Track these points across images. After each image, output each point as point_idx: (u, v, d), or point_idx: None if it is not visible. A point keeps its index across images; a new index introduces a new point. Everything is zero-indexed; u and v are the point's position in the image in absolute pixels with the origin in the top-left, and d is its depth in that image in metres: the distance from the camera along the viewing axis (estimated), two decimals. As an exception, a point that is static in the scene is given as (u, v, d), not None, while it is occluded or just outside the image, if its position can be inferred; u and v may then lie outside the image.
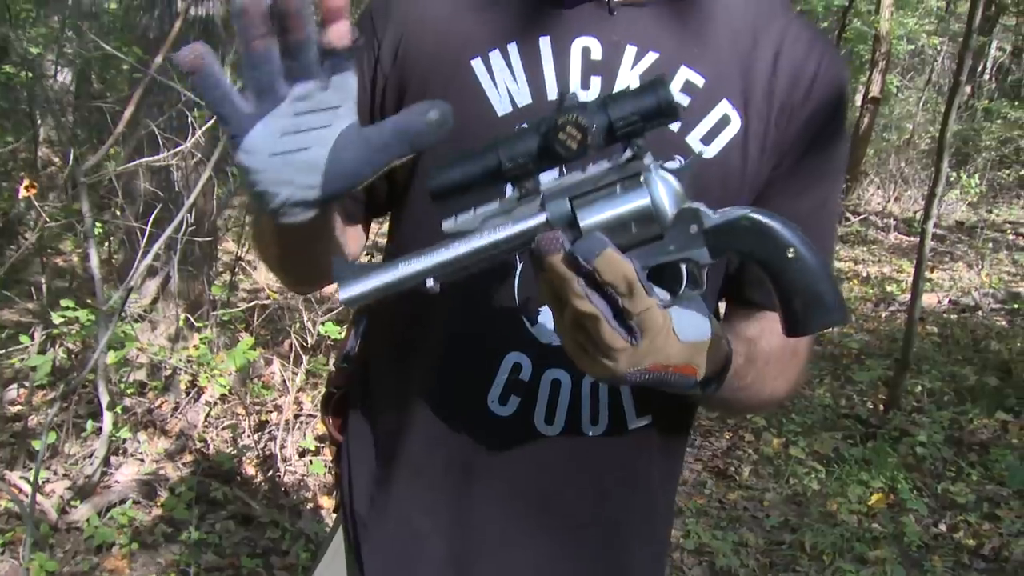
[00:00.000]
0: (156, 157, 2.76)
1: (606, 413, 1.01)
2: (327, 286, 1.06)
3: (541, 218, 0.78)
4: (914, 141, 15.08)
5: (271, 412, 3.63)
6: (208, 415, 3.63)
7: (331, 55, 0.68)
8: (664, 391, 0.85)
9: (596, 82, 0.96)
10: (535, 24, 0.97)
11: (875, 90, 12.89)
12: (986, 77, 20.25)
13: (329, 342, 3.50)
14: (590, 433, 1.01)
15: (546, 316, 0.95)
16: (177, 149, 2.78)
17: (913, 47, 17.65)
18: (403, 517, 1.07)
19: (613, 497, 1.07)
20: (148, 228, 2.84)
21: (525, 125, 0.80)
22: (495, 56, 0.96)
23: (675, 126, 0.95)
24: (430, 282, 0.78)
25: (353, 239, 1.07)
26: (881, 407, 4.72)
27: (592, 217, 0.77)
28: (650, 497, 1.11)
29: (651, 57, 0.96)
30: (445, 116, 0.71)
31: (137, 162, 2.74)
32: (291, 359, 3.32)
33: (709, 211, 0.80)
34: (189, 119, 2.81)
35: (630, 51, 0.96)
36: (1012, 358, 5.45)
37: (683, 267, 0.81)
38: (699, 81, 0.97)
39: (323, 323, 3.24)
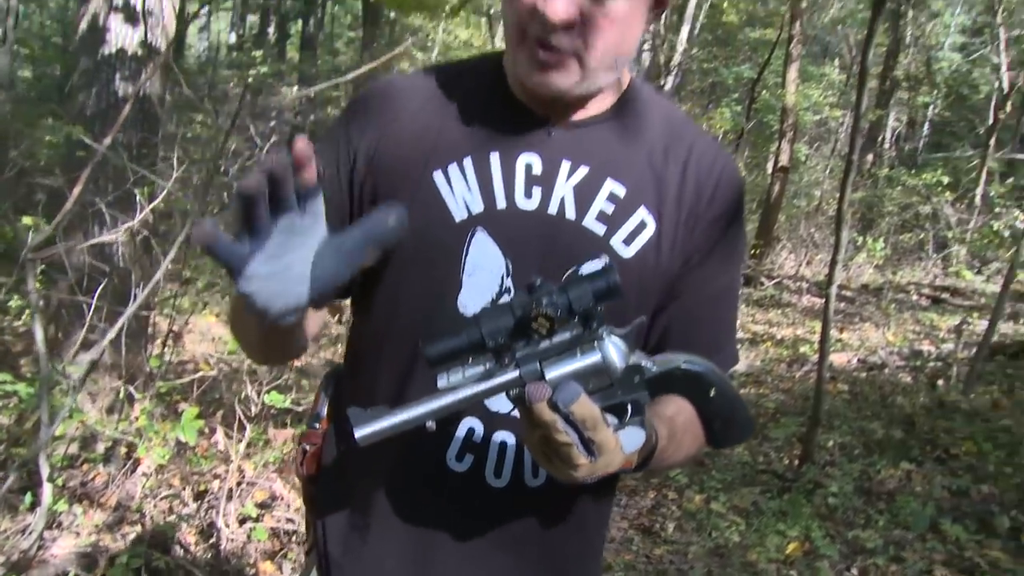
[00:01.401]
0: (109, 237, 2.86)
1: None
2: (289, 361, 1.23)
3: (515, 374, 0.97)
4: (822, 207, 15.71)
5: (210, 481, 3.69)
6: (145, 486, 3.67)
7: (303, 190, 0.84)
8: None
9: (537, 192, 1.15)
10: (486, 143, 1.16)
11: (784, 159, 13.46)
12: (886, 146, 21.27)
13: (273, 411, 3.60)
14: (532, 485, 1.20)
15: None
16: (125, 226, 2.90)
17: (818, 117, 18.45)
18: (376, 559, 1.23)
19: (555, 539, 1.24)
20: (94, 302, 2.93)
21: (504, 301, 1.02)
22: (453, 169, 1.15)
23: (600, 229, 1.15)
24: (430, 423, 0.98)
25: (314, 319, 1.23)
26: (796, 461, 4.92)
27: (555, 372, 0.97)
28: (586, 536, 1.29)
29: (583, 171, 1.16)
30: (402, 219, 0.88)
31: (92, 241, 2.84)
32: (235, 428, 3.41)
33: (650, 364, 1.02)
34: (137, 197, 2.93)
35: (565, 165, 1.16)
36: (915, 412, 5.75)
37: (629, 405, 1.02)
38: (621, 191, 1.16)
39: (267, 392, 3.35)
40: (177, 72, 4.16)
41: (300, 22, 23.19)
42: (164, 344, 4.53)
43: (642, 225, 1.17)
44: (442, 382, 0.98)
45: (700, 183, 1.19)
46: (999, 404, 5.90)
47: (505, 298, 1.14)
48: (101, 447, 3.77)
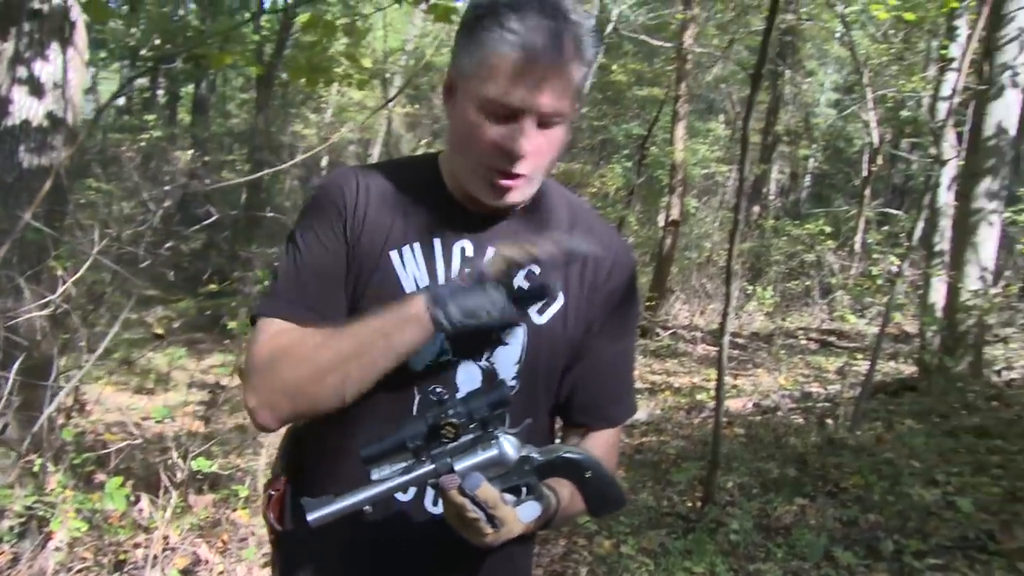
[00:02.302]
0: (31, 314, 2.91)
1: None
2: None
3: (431, 467, 1.23)
4: (713, 258, 16.24)
5: (128, 551, 3.68)
6: (58, 560, 3.64)
7: None
8: None
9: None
10: (431, 230, 1.41)
11: (675, 213, 13.95)
12: (771, 198, 22.20)
13: (199, 476, 3.65)
14: None
15: None
16: (46, 299, 2.95)
17: (706, 171, 19.14)
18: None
19: (484, 559, 1.43)
20: (12, 376, 2.96)
21: (417, 415, 1.26)
22: (406, 250, 1.39)
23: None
24: (368, 508, 1.25)
25: None
26: (698, 503, 5.15)
27: (463, 464, 1.23)
28: (511, 562, 1.49)
29: None
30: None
31: (25, 317, 2.88)
32: (160, 494, 3.45)
33: (536, 455, 1.27)
34: (59, 273, 3.00)
35: (491, 250, 1.38)
36: (807, 450, 6.08)
37: (523, 487, 1.28)
38: (536, 270, 1.39)
39: (194, 458, 3.41)
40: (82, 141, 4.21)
41: (192, 85, 23.00)
42: (68, 416, 4.51)
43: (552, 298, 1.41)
44: (375, 475, 1.23)
45: (598, 263, 1.44)
46: (882, 439, 6.28)
47: (443, 358, 1.38)
48: (6, 524, 3.72)
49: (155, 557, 3.21)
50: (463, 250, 1.40)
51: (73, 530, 3.44)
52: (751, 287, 13.76)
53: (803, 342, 12.35)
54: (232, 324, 4.87)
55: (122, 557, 3.63)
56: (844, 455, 5.88)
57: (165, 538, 3.36)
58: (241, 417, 6.34)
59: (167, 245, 4.73)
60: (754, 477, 5.63)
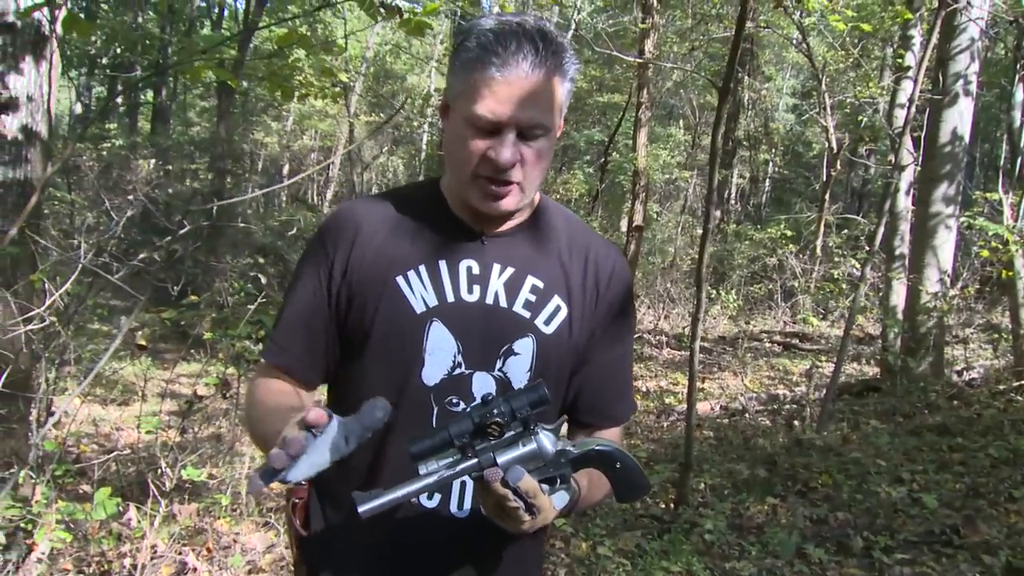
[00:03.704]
0: (21, 329, 2.92)
1: None
2: None
3: (475, 461, 1.31)
4: (676, 263, 16.44)
5: (110, 561, 3.69)
6: (40, 574, 3.64)
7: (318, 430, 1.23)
8: None
9: (476, 288, 1.49)
10: (435, 252, 1.50)
11: (638, 219, 14.05)
12: (732, 202, 22.47)
13: (188, 485, 3.67)
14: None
15: None
16: (32, 313, 2.97)
17: (668, 176, 19.33)
18: None
19: (503, 556, 1.53)
20: None
21: (468, 410, 1.32)
22: (412, 274, 1.49)
23: (527, 314, 1.50)
24: (418, 499, 1.39)
25: (308, 399, 1.57)
26: (672, 504, 5.26)
27: (505, 457, 1.31)
28: (524, 564, 1.59)
29: (509, 270, 1.51)
30: (387, 411, 1.24)
31: (21, 331, 2.90)
32: (148, 504, 3.47)
33: (572, 448, 1.36)
34: (46, 285, 3.02)
35: (496, 268, 1.50)
36: (776, 451, 6.22)
37: (558, 477, 1.36)
38: (540, 284, 1.51)
39: (184, 467, 3.43)
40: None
41: (152, 92, 22.77)
42: (39, 424, 4.49)
43: (558, 309, 1.52)
44: (423, 470, 1.30)
45: (599, 273, 1.56)
46: (848, 439, 6.44)
47: (457, 371, 1.47)
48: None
49: (143, 566, 3.23)
50: (469, 269, 1.50)
51: (56, 541, 3.45)
52: (715, 291, 13.95)
53: (767, 345, 12.54)
54: (208, 335, 4.88)
55: (106, 568, 3.65)
56: (812, 455, 6.03)
57: (153, 547, 3.38)
58: (216, 427, 6.35)
59: (140, 256, 4.73)
60: (725, 478, 5.75)
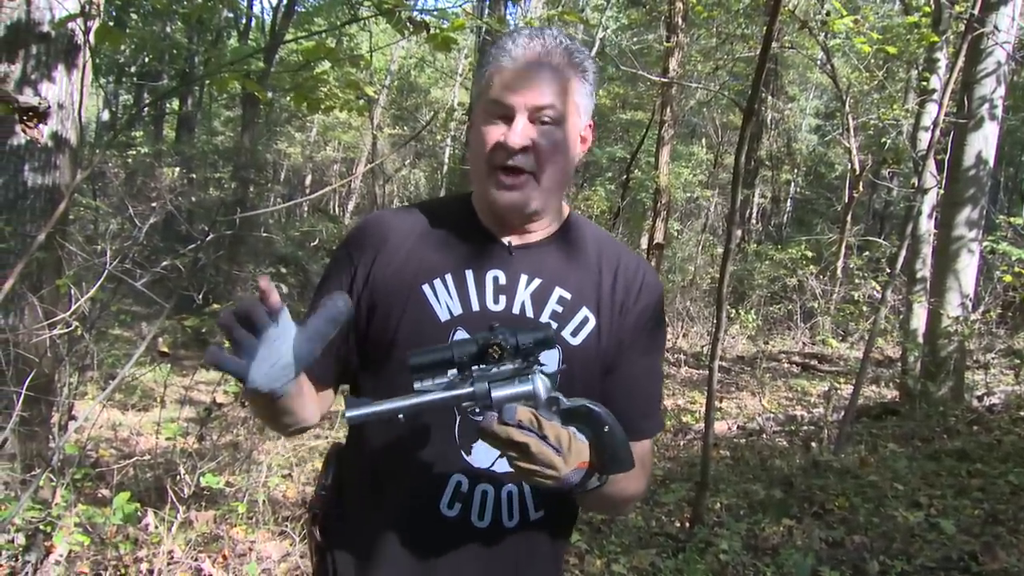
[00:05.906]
0: (46, 333, 2.97)
1: (516, 510, 1.50)
2: (302, 432, 1.49)
3: (469, 389, 1.29)
4: (696, 282, 16.38)
5: (127, 566, 3.72)
6: (57, 575, 3.68)
7: (273, 311, 1.19)
8: (556, 494, 1.39)
9: (502, 298, 1.50)
10: (462, 262, 1.52)
11: (659, 237, 14.07)
12: (753, 222, 22.42)
13: (207, 492, 3.70)
14: (508, 525, 1.50)
15: (477, 449, 1.47)
16: (58, 318, 3.01)
17: (689, 195, 19.31)
18: None
19: (526, 568, 1.53)
20: (24, 392, 3.01)
21: (469, 336, 1.33)
22: (437, 283, 1.50)
23: (553, 325, 1.49)
24: (401, 416, 1.29)
25: (325, 400, 1.56)
26: (687, 523, 5.23)
27: (499, 392, 1.29)
28: (547, 566, 1.58)
29: (537, 282, 1.52)
30: (348, 302, 1.23)
31: (46, 335, 2.94)
32: (167, 510, 3.50)
33: (564, 399, 1.33)
34: (71, 290, 3.06)
35: (523, 278, 1.51)
36: (793, 472, 6.19)
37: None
38: (568, 295, 1.52)
39: (203, 474, 3.46)
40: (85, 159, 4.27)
41: (177, 101, 23.01)
42: (60, 428, 4.54)
43: (585, 320, 1.52)
44: (418, 385, 1.30)
45: (628, 285, 1.56)
46: (866, 462, 6.40)
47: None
48: (3, 538, 3.75)
49: (159, 571, 3.26)
50: (496, 279, 1.51)
51: (75, 544, 3.48)
52: (734, 310, 13.90)
53: (785, 365, 12.47)
54: (227, 344, 4.90)
55: (123, 572, 3.67)
56: (829, 477, 5.99)
57: (169, 552, 3.41)
58: (233, 435, 6.38)
59: (163, 263, 4.78)
60: (741, 498, 5.72)
